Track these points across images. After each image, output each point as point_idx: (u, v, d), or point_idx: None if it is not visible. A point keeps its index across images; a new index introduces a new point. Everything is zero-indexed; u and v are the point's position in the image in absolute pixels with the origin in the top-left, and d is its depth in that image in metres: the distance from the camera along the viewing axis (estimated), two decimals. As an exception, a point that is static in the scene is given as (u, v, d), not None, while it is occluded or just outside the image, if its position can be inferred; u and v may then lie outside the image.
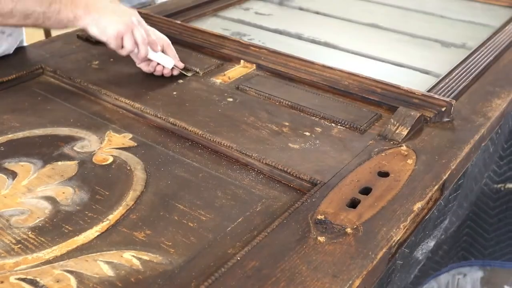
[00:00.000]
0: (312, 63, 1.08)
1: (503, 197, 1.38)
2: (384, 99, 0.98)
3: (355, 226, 0.68)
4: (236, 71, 1.11)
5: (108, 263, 0.63)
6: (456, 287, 1.57)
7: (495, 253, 1.48)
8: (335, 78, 1.04)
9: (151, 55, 1.05)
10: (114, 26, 0.98)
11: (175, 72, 1.08)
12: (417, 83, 1.06)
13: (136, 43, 1.01)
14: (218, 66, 1.12)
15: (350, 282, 0.60)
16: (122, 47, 1.01)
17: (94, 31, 0.99)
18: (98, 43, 1.14)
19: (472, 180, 1.13)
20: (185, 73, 1.08)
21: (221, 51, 1.16)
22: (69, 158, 0.82)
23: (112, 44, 1.00)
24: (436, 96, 0.96)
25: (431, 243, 0.99)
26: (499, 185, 1.36)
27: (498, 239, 1.45)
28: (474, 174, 1.12)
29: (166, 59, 1.06)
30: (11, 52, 1.13)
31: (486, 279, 1.62)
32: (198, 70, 1.10)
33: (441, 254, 1.35)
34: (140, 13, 1.29)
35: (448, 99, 0.95)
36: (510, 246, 1.46)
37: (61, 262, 0.63)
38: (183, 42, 1.21)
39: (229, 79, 1.07)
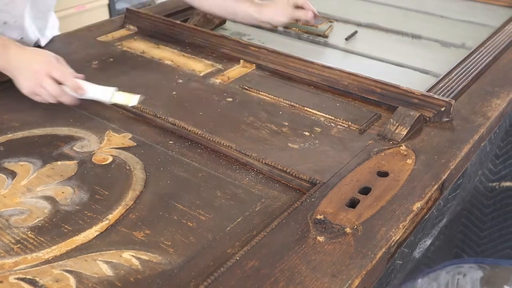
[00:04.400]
0: (312, 63, 1.08)
1: (498, 195, 1.38)
2: (383, 99, 0.98)
3: (354, 226, 0.68)
4: (236, 71, 1.11)
5: (107, 262, 0.63)
6: (456, 287, 1.57)
7: (488, 251, 1.48)
8: (335, 78, 1.04)
9: (87, 95, 0.94)
10: (25, 87, 0.93)
11: None
12: (417, 83, 1.06)
13: (54, 96, 0.93)
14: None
15: (349, 282, 0.60)
16: None
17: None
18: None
19: (466, 178, 1.13)
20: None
21: (221, 51, 1.16)
22: (68, 158, 0.82)
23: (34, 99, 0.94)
24: (435, 96, 0.96)
25: (428, 242, 0.99)
26: (494, 184, 1.36)
27: (491, 237, 1.46)
28: (470, 172, 1.12)
29: (103, 93, 0.93)
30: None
31: (486, 279, 1.62)
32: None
33: (433, 249, 1.35)
34: (139, 13, 1.30)
35: (447, 99, 0.95)
36: (503, 243, 1.46)
37: (60, 262, 0.63)
38: (183, 42, 1.21)
39: (229, 79, 1.07)
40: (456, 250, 1.47)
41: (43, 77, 0.91)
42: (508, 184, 1.35)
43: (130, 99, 0.92)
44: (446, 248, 1.43)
